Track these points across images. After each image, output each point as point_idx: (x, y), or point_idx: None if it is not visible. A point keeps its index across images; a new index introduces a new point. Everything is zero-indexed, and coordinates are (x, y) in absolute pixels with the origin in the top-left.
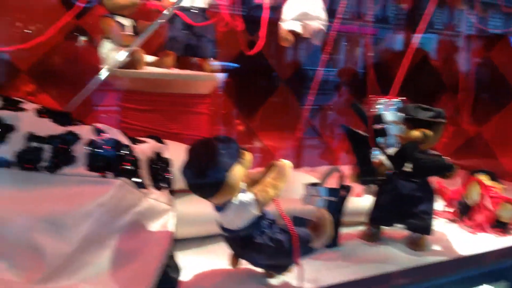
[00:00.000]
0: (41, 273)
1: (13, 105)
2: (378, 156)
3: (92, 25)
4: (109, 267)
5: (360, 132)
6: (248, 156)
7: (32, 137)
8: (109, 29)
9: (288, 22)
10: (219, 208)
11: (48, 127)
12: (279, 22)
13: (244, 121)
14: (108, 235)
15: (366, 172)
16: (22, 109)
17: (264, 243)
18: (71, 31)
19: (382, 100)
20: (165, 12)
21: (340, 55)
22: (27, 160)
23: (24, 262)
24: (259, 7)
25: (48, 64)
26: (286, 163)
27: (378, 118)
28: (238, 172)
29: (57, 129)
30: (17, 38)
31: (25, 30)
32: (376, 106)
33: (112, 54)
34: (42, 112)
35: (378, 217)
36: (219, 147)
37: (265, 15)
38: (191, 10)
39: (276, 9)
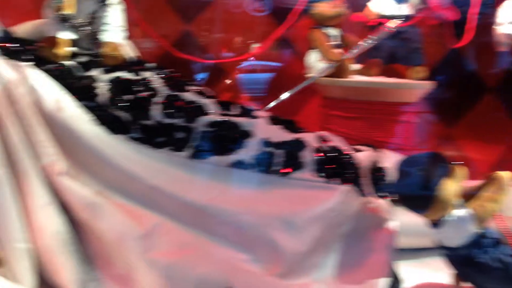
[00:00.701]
0: (280, 268)
1: (249, 113)
2: None
3: (297, 36)
4: (336, 271)
5: None
6: (461, 171)
7: (266, 142)
8: (317, 42)
9: (508, 25)
10: (435, 224)
11: (279, 134)
12: (494, 27)
13: (446, 129)
14: (334, 239)
15: None
16: (256, 117)
17: (488, 264)
18: (277, 42)
19: None
20: (385, 29)
21: None
22: (262, 164)
23: (265, 256)
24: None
25: (255, 72)
26: (506, 175)
27: None
28: (450, 187)
29: (286, 136)
30: (234, 50)
31: (241, 43)
32: None
33: (318, 64)
34: (273, 120)
35: None
36: (429, 162)
37: (474, 10)
38: (396, 19)
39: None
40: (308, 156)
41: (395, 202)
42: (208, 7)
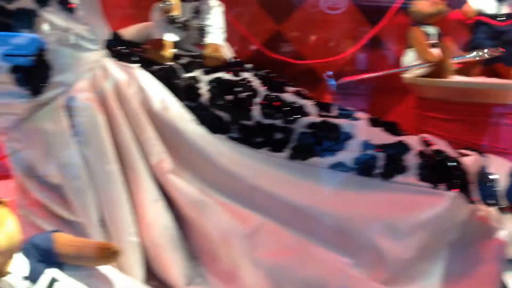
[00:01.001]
0: (383, 274)
1: (348, 114)
2: None
3: (391, 34)
4: (442, 281)
5: None
6: None
7: (367, 145)
8: (415, 41)
9: None
10: None
11: (381, 136)
12: None
13: None
14: (441, 247)
15: None
16: (356, 118)
17: None
18: (370, 41)
19: None
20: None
21: None
22: (363, 166)
23: (368, 261)
24: None
25: (345, 73)
26: None
27: None
28: None
29: (388, 138)
30: (323, 51)
31: (332, 43)
32: None
33: (414, 64)
34: (374, 122)
35: None
36: None
37: None
38: (498, 18)
39: None
40: (412, 160)
41: (506, 210)
42: (299, 7)
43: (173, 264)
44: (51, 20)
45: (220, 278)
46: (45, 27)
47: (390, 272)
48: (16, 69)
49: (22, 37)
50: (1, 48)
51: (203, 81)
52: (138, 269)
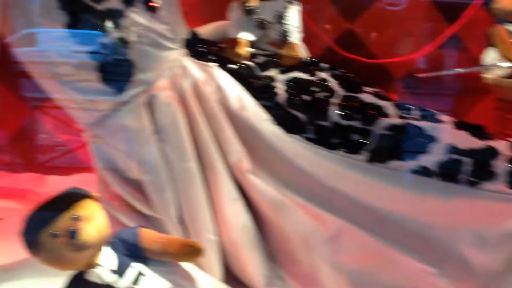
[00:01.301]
0: (470, 286)
1: (431, 116)
2: None
3: (470, 32)
4: None
5: None
6: None
7: (453, 149)
8: (498, 39)
9: None
10: None
11: (467, 140)
12: None
13: None
14: None
15: None
16: (439, 121)
17: None
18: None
19: None
20: None
21: None
22: (448, 172)
23: (453, 271)
24: None
25: (417, 72)
26: None
27: None
28: None
29: (475, 143)
30: (396, 50)
31: (407, 42)
32: None
33: (497, 63)
34: (459, 125)
35: None
36: None
37: None
38: None
39: None
40: (501, 166)
41: None
42: (371, 5)
43: (252, 264)
44: (136, 20)
45: (299, 281)
46: (130, 26)
47: (477, 284)
48: (101, 67)
49: (108, 36)
50: (88, 47)
51: (279, 81)
52: (216, 268)
